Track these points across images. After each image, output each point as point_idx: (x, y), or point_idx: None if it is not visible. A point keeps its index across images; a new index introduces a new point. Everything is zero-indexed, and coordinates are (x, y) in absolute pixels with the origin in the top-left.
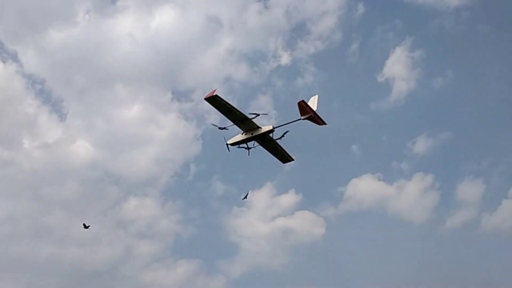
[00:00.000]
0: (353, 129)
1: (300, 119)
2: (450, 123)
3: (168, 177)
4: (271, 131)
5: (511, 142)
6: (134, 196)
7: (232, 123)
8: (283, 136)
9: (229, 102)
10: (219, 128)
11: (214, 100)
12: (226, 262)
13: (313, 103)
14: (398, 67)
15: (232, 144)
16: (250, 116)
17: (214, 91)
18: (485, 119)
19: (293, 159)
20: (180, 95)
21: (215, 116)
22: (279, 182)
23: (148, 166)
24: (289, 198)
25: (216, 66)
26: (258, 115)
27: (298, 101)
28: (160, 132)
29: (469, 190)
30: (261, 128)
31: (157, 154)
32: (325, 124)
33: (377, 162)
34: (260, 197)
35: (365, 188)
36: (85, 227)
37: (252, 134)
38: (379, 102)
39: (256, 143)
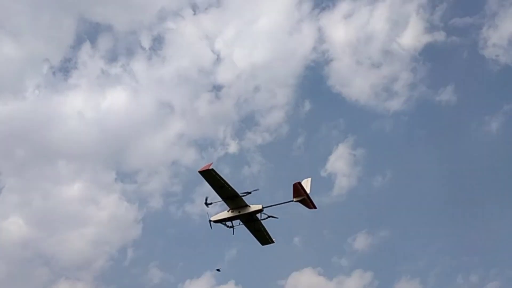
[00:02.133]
0: (295, 221)
1: (292, 200)
2: (389, 222)
3: (104, 261)
4: (260, 210)
5: (445, 245)
6: (65, 279)
7: (220, 199)
8: (249, 193)
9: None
10: (206, 204)
11: (209, 174)
12: None
13: (306, 186)
14: (340, 163)
15: (216, 221)
16: (242, 194)
17: (210, 164)
18: (422, 219)
19: (273, 241)
20: (125, 176)
21: (158, 200)
22: (219, 272)
23: (84, 248)
24: None
25: (164, 150)
26: (250, 193)
27: (293, 183)
28: (99, 213)
29: None
30: (249, 206)
31: (94, 236)
32: (315, 208)
33: (318, 256)
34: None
35: (306, 282)
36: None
37: (239, 212)
38: (321, 196)
39: (239, 221)
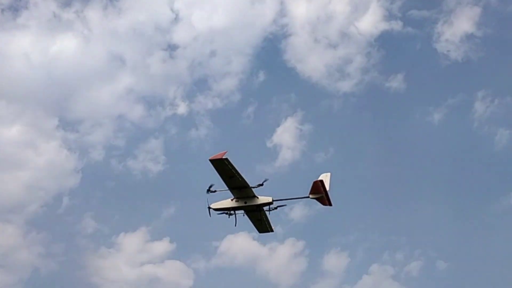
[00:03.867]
0: None
1: (308, 197)
2: None
3: (37, 206)
4: (270, 203)
5: (376, 223)
6: None
7: (226, 188)
8: (261, 185)
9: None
10: (209, 190)
11: (221, 163)
12: None
13: (326, 181)
14: (286, 136)
15: (216, 209)
16: (253, 186)
17: (224, 153)
18: (356, 196)
19: (272, 231)
20: (67, 124)
21: (100, 152)
22: (154, 228)
23: (17, 191)
24: (162, 246)
25: (111, 102)
26: (262, 185)
27: (315, 180)
28: (37, 158)
29: (335, 261)
30: (258, 198)
31: (29, 181)
32: (330, 205)
33: None
34: (132, 241)
35: (239, 245)
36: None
37: (245, 203)
38: (264, 165)
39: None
